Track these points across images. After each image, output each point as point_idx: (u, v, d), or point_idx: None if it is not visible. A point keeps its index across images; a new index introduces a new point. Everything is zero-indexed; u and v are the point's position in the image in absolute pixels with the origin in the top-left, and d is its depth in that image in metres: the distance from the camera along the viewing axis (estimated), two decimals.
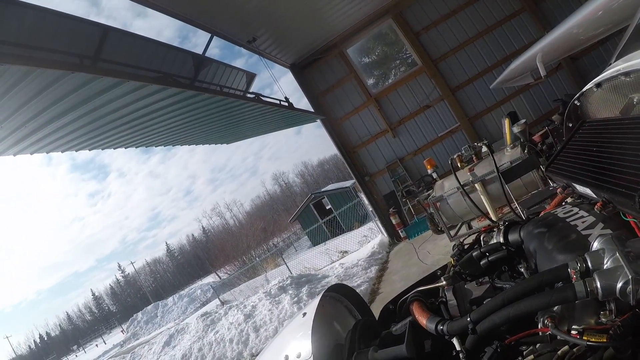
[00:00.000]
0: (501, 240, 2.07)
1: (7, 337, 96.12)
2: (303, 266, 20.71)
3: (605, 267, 1.30)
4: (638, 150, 1.68)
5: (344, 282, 12.33)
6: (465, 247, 2.36)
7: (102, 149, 8.52)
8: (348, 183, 35.77)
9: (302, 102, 14.98)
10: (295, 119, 12.90)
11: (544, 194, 6.39)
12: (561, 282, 1.40)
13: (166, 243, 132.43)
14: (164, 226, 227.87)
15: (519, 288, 1.46)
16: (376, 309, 2.50)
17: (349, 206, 22.05)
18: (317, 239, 30.48)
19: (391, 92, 14.35)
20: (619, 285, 1.20)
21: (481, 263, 2.07)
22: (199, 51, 9.51)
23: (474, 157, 8.33)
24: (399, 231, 14.32)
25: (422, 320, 1.78)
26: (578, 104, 2.67)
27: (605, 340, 1.22)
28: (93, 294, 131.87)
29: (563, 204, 2.35)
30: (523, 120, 7.78)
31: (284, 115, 11.41)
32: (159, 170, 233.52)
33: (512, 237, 2.04)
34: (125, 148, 9.03)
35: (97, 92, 5.38)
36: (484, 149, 8.02)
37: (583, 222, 1.71)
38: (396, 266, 11.89)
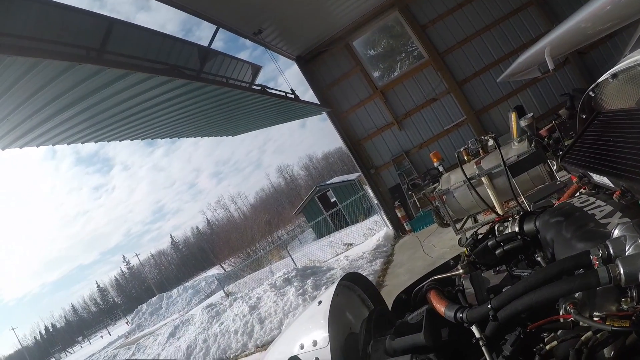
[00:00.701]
0: (516, 229, 2.09)
1: (12, 329, 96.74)
2: (308, 258, 20.73)
3: (627, 253, 1.30)
4: None
5: None
6: (479, 237, 2.34)
7: (108, 141, 8.54)
8: (353, 176, 35.67)
9: (307, 94, 14.91)
10: (300, 112, 12.89)
11: (550, 188, 6.39)
12: (582, 269, 1.40)
13: (171, 235, 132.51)
14: (168, 219, 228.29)
15: (541, 275, 1.45)
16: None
17: (354, 199, 21.98)
18: (321, 232, 30.50)
19: (397, 85, 14.28)
20: None
21: (496, 252, 2.06)
22: (203, 44, 9.49)
23: (481, 151, 8.29)
24: (404, 224, 14.29)
25: (441, 308, 1.77)
26: (592, 95, 2.64)
27: (628, 325, 1.22)
28: (98, 286, 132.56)
29: (577, 194, 2.36)
30: (530, 114, 7.74)
31: (289, 108, 11.40)
32: (163, 164, 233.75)
33: (528, 226, 2.05)
34: (131, 140, 9.05)
35: (104, 84, 5.39)
36: (491, 142, 7.97)
37: (601, 211, 1.71)
38: (401, 259, 11.88)
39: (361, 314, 2.39)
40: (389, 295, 2.44)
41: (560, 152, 3.39)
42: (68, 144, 7.79)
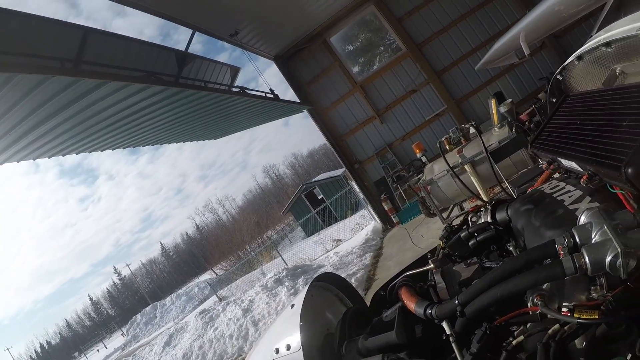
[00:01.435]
0: (489, 219, 2.08)
1: (7, 349, 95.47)
2: (298, 257, 20.73)
3: (593, 241, 1.27)
4: (621, 121, 1.64)
5: (340, 271, 12.37)
6: (454, 228, 2.35)
7: (89, 152, 8.43)
8: (339, 172, 35.80)
9: (288, 93, 14.88)
10: (281, 111, 12.85)
11: (533, 172, 6.41)
12: (549, 259, 1.37)
13: (160, 243, 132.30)
14: (157, 226, 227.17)
15: (506, 267, 1.43)
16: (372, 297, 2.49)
17: (340, 195, 22.02)
18: (310, 230, 30.50)
19: (377, 79, 14.31)
20: (609, 259, 1.17)
21: (470, 244, 2.05)
22: (182, 47, 9.41)
23: (462, 139, 8.32)
24: (392, 217, 14.36)
25: (411, 305, 1.77)
26: (560, 79, 2.65)
27: (596, 316, 1.19)
28: (91, 299, 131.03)
29: (550, 179, 2.33)
30: (509, 100, 7.82)
31: (270, 108, 11.36)
32: (148, 171, 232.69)
33: (500, 215, 2.04)
34: (113, 150, 8.95)
35: (80, 94, 5.32)
36: (472, 130, 8.00)
37: (570, 197, 1.70)
38: (391, 252, 11.92)
39: (340, 313, 2.38)
40: None
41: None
42: (49, 157, 7.68)
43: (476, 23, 13.18)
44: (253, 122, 13.19)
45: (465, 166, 7.73)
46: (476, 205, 2.40)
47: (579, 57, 2.37)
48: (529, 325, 1.46)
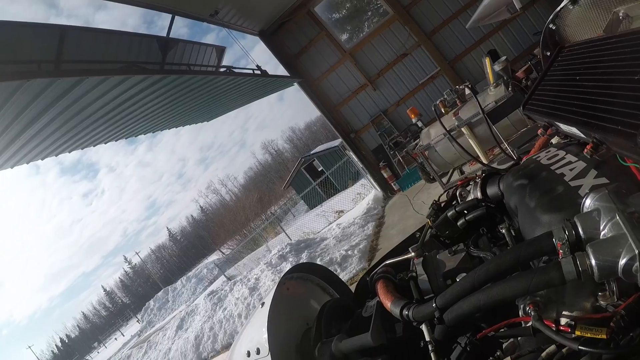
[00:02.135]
0: (479, 195, 1.83)
1: (29, 347, 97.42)
2: (302, 231, 20.78)
3: (602, 235, 1.02)
4: (632, 74, 1.30)
5: (342, 243, 12.37)
6: (442, 205, 2.11)
7: (82, 149, 8.41)
8: (336, 142, 35.52)
9: (279, 68, 14.64)
10: (272, 86, 12.68)
11: (533, 131, 6.27)
12: (546, 257, 1.17)
13: (167, 228, 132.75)
14: (162, 212, 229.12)
15: (492, 267, 1.20)
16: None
17: (338, 165, 21.90)
18: (312, 202, 30.52)
19: (366, 45, 13.99)
20: (622, 262, 0.92)
21: (458, 224, 1.83)
22: (164, 35, 9.20)
23: (458, 101, 8.14)
24: (392, 184, 14.30)
25: (387, 303, 1.57)
26: (554, 28, 2.35)
27: (604, 336, 0.98)
28: (104, 290, 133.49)
29: (548, 146, 2.03)
30: (504, 57, 7.58)
31: (259, 84, 11.22)
32: (147, 159, 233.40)
33: (491, 190, 1.79)
34: (106, 143, 8.89)
35: (60, 94, 5.27)
36: (467, 91, 7.83)
37: (571, 170, 1.44)
38: (393, 220, 11.88)
39: (323, 303, 2.19)
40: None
41: None
42: (42, 159, 7.68)
43: None
44: (244, 100, 13.02)
45: (463, 129, 7.56)
46: (465, 178, 2.15)
47: (574, 1, 2.08)
48: (519, 338, 1.27)
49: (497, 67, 7.41)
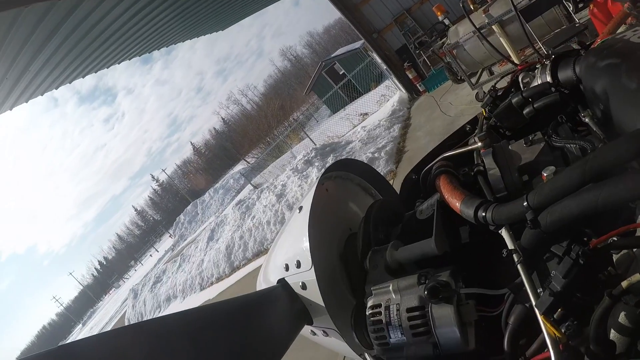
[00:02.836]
0: (548, 79, 1.55)
1: (70, 274, 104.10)
2: (326, 135, 20.78)
3: None
4: None
5: (368, 145, 12.40)
6: (499, 92, 1.81)
7: (96, 72, 8.32)
8: (357, 44, 34.49)
9: None
10: None
11: (569, 31, 5.96)
12: None
13: (191, 143, 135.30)
14: (184, 128, 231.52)
15: (609, 154, 0.93)
16: (404, 170, 2.15)
17: (361, 67, 21.38)
18: (335, 106, 30.26)
19: None
20: None
21: (524, 112, 1.55)
22: None
23: None
24: (417, 85, 13.94)
25: (455, 203, 1.30)
26: None
27: None
28: (135, 210, 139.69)
29: (631, 24, 1.75)
30: None
31: None
32: (164, 77, 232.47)
33: (564, 74, 1.51)
34: (119, 63, 8.77)
35: (63, 16, 5.13)
36: None
37: None
38: (419, 121, 11.76)
39: (365, 205, 1.88)
40: (411, 162, 2.12)
41: None
42: (57, 88, 7.65)
43: None
44: (258, 4, 12.60)
45: (493, 26, 7.23)
46: (526, 62, 1.84)
47: None
48: (635, 250, 0.97)
49: None
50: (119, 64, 8.76)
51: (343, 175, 1.99)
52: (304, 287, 1.53)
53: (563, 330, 0.92)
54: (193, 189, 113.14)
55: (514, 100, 1.55)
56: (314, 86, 37.36)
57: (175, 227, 50.36)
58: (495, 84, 1.97)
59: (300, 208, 1.69)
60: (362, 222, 1.66)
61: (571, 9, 6.29)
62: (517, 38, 7.08)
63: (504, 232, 1.14)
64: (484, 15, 7.32)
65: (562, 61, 1.54)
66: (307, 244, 1.51)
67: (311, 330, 1.68)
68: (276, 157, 28.24)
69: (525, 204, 1.04)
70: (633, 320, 0.88)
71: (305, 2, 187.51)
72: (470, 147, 1.52)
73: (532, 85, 1.64)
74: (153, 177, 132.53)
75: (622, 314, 0.89)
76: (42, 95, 7.43)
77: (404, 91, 14.93)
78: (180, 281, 19.25)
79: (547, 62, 1.59)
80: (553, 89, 1.46)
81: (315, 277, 1.46)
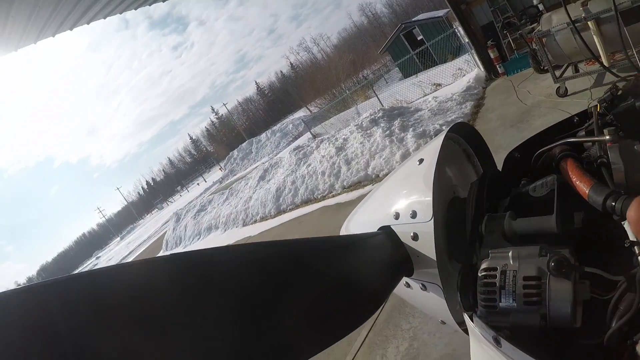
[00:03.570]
0: None
1: (117, 189, 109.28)
2: (394, 98, 20.66)
3: None
4: None
5: (437, 117, 12.41)
6: (619, 92, 1.66)
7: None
8: (441, 12, 33.54)
9: None
10: None
11: None
12: None
13: (255, 82, 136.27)
14: (251, 66, 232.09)
15: None
16: None
17: (442, 37, 20.99)
18: (408, 71, 29.76)
19: None
20: None
21: None
22: None
23: None
24: (497, 66, 13.66)
25: (583, 188, 1.29)
26: None
27: None
28: (191, 138, 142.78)
29: None
30: None
31: None
32: (238, 13, 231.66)
33: None
34: None
35: None
36: None
37: None
38: (493, 103, 11.62)
39: (464, 172, 1.91)
40: None
41: None
42: (135, 9, 7.74)
43: None
44: None
45: (589, 22, 7.06)
46: None
47: None
48: None
49: None
50: None
51: (454, 137, 1.94)
52: (415, 237, 1.51)
53: None
54: (250, 127, 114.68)
55: (638, 104, 1.49)
56: (389, 47, 36.72)
57: (227, 161, 51.61)
58: (615, 82, 1.97)
59: (421, 160, 1.66)
60: (475, 188, 1.62)
61: None
62: (611, 39, 6.90)
63: (626, 226, 1.16)
64: (581, 9, 7.14)
65: None
66: (431, 196, 1.48)
67: (406, 282, 1.67)
68: (340, 111, 28.28)
69: None
70: None
71: None
72: (597, 138, 1.46)
73: None
74: (213, 109, 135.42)
75: None
76: (120, 13, 7.62)
77: (482, 69, 14.69)
78: (224, 213, 19.67)
79: None
80: None
81: (432, 230, 1.46)
